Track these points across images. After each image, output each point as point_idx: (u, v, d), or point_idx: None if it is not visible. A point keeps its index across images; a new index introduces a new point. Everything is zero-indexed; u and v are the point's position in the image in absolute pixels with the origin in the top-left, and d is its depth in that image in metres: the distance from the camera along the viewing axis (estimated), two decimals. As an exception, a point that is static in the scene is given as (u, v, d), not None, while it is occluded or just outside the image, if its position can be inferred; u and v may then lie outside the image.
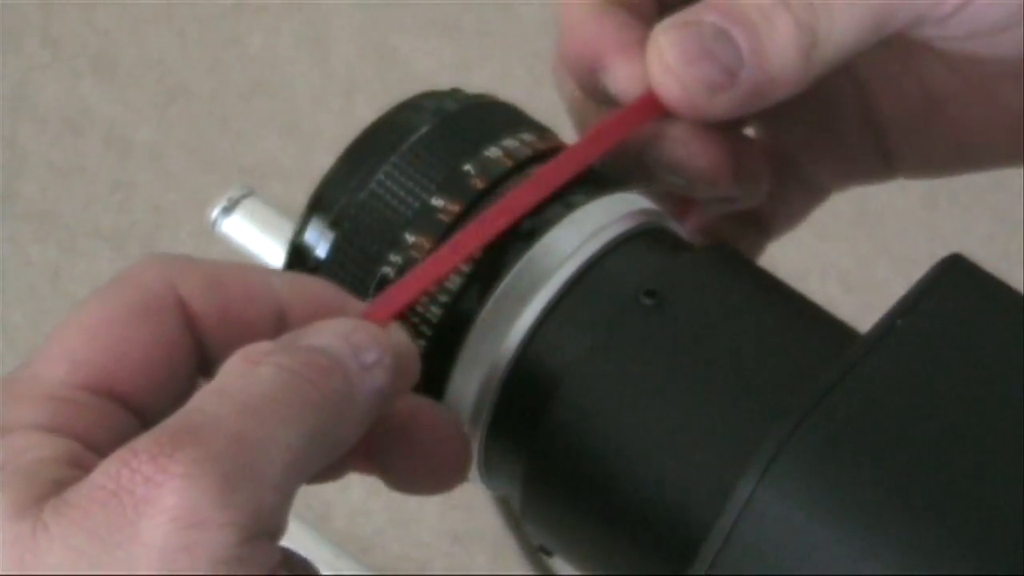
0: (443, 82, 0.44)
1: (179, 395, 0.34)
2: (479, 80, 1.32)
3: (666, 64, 0.39)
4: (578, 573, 0.39)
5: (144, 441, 0.31)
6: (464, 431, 0.37)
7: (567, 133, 0.45)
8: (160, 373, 0.34)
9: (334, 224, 0.39)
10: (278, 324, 0.35)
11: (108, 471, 0.31)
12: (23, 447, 0.32)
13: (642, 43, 0.40)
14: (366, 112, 0.40)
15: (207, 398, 0.32)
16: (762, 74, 0.39)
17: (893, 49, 0.43)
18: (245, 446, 0.31)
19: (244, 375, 0.32)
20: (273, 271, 0.36)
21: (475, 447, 0.38)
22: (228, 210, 0.48)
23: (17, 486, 0.31)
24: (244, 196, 0.48)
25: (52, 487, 0.31)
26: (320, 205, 0.39)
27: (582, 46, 0.41)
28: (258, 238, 0.48)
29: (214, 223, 0.48)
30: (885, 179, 0.47)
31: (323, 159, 0.40)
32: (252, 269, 0.35)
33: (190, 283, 0.35)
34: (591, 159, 0.38)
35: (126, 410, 0.34)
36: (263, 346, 0.33)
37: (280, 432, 0.31)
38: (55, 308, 1.22)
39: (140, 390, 0.34)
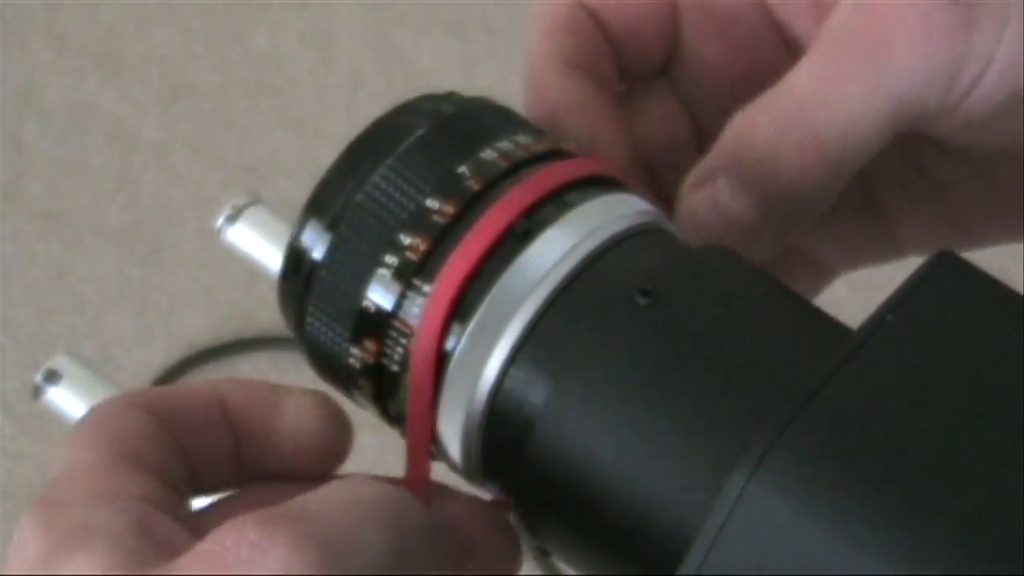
0: (448, 80, 0.44)
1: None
2: (483, 78, 1.32)
3: (700, 225, 0.41)
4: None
5: (251, 516, 0.32)
6: (514, 532, 0.38)
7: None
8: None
9: (331, 226, 0.39)
10: None
11: (215, 537, 0.32)
12: (107, 507, 0.34)
13: (600, 107, 0.42)
14: (370, 110, 0.40)
15: (313, 495, 0.34)
16: (788, 211, 0.40)
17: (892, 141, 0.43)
18: (347, 535, 0.33)
19: (349, 484, 0.35)
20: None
21: (475, 440, 0.38)
22: (232, 218, 0.49)
23: (114, 550, 0.33)
24: (248, 204, 0.49)
25: (147, 549, 0.33)
26: (317, 207, 0.39)
27: (546, 108, 0.42)
28: (262, 247, 0.48)
29: (219, 231, 0.49)
30: (894, 259, 0.47)
31: (327, 156, 0.40)
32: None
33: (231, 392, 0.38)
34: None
35: (155, 477, 0.36)
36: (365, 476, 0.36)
37: (379, 534, 0.33)
38: (60, 305, 1.22)
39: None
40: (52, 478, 0.36)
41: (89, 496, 0.34)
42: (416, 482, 0.38)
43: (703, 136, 0.46)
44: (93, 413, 0.37)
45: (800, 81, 0.40)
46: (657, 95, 0.46)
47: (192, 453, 0.37)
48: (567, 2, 0.44)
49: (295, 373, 1.25)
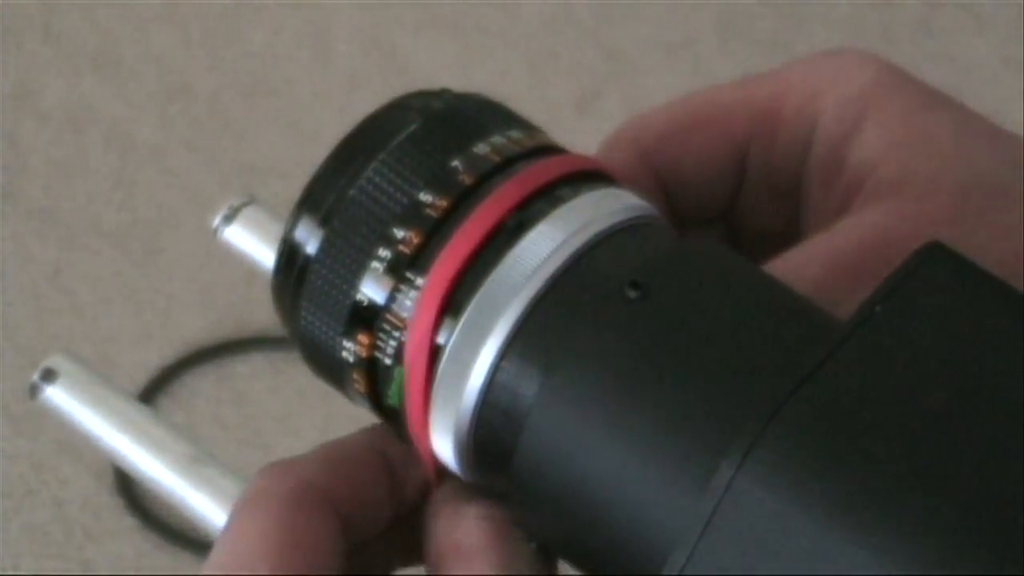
0: (445, 80, 0.45)
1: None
2: (480, 78, 1.32)
3: None
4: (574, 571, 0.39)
5: None
6: None
7: (565, 131, 0.45)
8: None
9: (324, 221, 0.39)
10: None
11: None
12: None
13: None
14: (367, 110, 0.41)
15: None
16: None
17: None
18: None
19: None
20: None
21: (467, 434, 0.38)
22: (229, 219, 0.49)
23: None
24: (244, 204, 0.49)
25: None
26: (309, 203, 0.39)
27: None
28: (258, 247, 0.48)
29: (215, 231, 0.49)
30: None
31: (324, 157, 0.40)
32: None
33: None
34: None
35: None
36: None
37: None
38: (56, 306, 1.22)
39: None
40: (228, 557, 0.38)
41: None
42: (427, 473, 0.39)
43: None
44: (274, 511, 0.38)
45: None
46: (705, 232, 0.47)
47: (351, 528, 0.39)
48: (629, 156, 0.45)
49: (292, 373, 1.26)
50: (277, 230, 0.47)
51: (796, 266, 0.41)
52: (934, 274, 0.35)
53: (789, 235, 0.46)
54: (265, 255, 0.48)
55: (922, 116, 0.43)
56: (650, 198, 0.43)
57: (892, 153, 0.42)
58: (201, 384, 1.20)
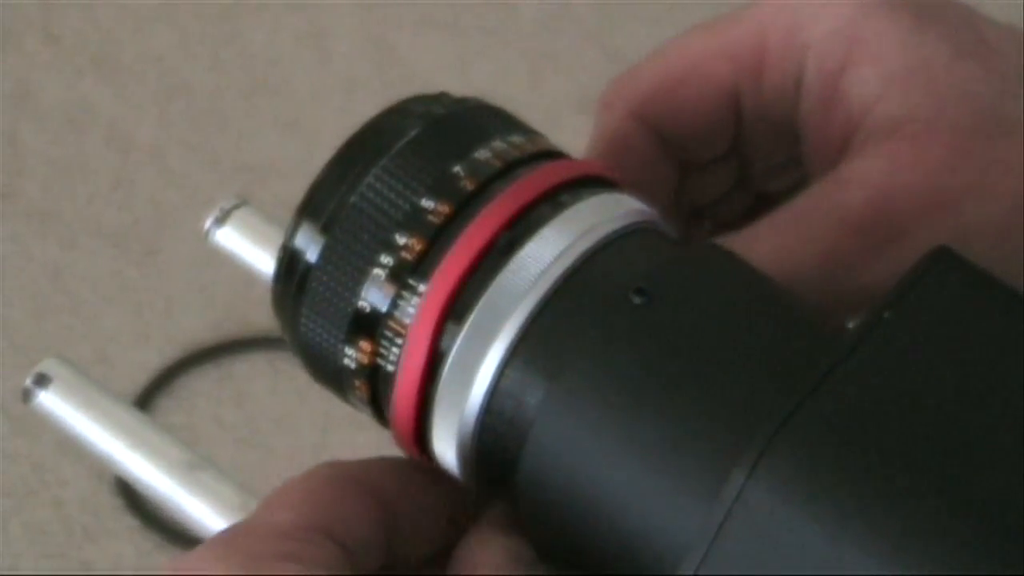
0: (443, 80, 0.44)
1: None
2: (478, 77, 1.32)
3: None
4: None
5: None
6: None
7: (565, 132, 0.45)
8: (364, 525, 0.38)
9: (324, 228, 0.39)
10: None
11: None
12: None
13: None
14: (366, 110, 0.40)
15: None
16: None
17: None
18: None
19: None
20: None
21: (470, 442, 0.38)
22: (220, 221, 0.48)
23: None
24: (236, 207, 0.49)
25: None
26: (309, 210, 0.39)
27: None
28: (250, 249, 0.48)
29: (207, 234, 0.49)
30: None
31: (324, 156, 0.40)
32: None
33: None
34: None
35: (342, 550, 0.37)
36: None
37: None
38: (56, 306, 1.22)
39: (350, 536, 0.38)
40: (243, 524, 0.38)
41: (275, 555, 0.36)
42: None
43: (749, 184, 0.47)
44: (304, 479, 0.38)
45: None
46: (713, 170, 0.47)
47: (395, 529, 0.39)
48: (621, 115, 0.45)
49: (292, 373, 1.26)
50: (269, 232, 0.47)
51: (805, 227, 0.41)
52: (941, 279, 0.35)
53: (797, 168, 0.45)
54: (257, 257, 0.48)
55: (915, 41, 0.42)
56: (652, 165, 0.43)
57: (888, 89, 0.42)
58: (201, 384, 1.20)
